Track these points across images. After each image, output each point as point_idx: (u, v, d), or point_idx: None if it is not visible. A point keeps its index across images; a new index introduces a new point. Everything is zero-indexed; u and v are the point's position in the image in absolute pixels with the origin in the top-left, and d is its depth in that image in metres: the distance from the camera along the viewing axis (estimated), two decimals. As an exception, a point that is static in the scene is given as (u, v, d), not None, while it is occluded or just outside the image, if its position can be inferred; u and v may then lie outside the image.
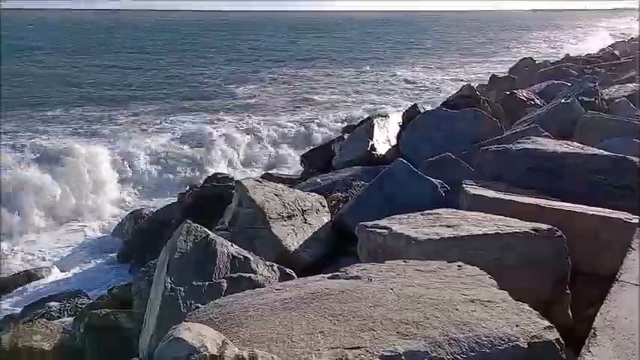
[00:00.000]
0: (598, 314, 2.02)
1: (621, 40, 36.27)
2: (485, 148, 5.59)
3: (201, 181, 10.06)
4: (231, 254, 3.69)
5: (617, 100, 8.49)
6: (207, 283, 3.51)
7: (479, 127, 7.20)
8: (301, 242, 4.70)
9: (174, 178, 12.78)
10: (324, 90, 25.74)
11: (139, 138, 15.40)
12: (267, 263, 3.83)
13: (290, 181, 8.27)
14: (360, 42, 58.14)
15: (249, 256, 3.77)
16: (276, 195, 5.01)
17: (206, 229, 3.89)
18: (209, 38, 61.61)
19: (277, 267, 3.80)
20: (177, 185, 12.07)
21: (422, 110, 9.34)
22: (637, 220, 3.12)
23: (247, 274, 3.62)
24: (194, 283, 3.52)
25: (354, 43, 56.50)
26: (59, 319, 5.97)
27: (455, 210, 3.84)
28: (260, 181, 5.31)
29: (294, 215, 4.88)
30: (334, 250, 4.88)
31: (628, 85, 10.57)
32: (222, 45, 52.13)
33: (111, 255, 8.78)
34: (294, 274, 3.70)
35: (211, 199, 7.73)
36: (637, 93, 9.41)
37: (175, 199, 9.43)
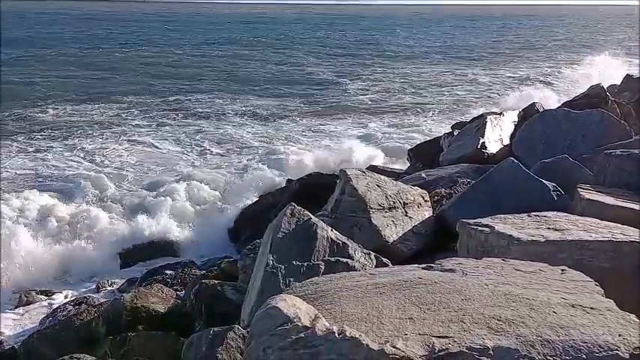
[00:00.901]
0: None
1: None
2: (609, 152, 5.19)
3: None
4: (331, 238, 3.83)
5: None
6: (306, 263, 3.68)
7: (604, 129, 6.65)
8: (400, 234, 4.72)
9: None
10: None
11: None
12: (365, 251, 3.92)
13: (395, 175, 8.27)
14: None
15: (347, 242, 3.88)
16: (378, 186, 5.06)
17: (309, 213, 4.07)
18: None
19: (374, 255, 3.87)
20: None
21: (540, 109, 8.80)
22: None
23: (344, 259, 3.73)
24: (294, 262, 3.70)
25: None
26: (173, 287, 6.56)
27: (566, 214, 3.64)
28: (364, 172, 5.39)
29: (395, 207, 4.90)
30: (434, 244, 4.83)
31: None
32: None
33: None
34: (389, 264, 3.74)
35: (317, 187, 7.97)
36: None
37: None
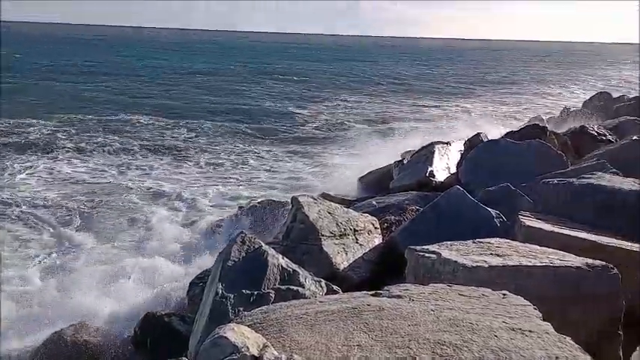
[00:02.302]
0: (634, 353, 1.96)
1: None
2: (547, 180, 5.45)
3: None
4: (282, 266, 3.81)
5: (697, 140, 8.00)
6: (256, 292, 3.65)
7: (542, 159, 7.00)
8: (351, 261, 4.76)
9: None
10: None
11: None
12: (316, 278, 3.92)
13: (346, 202, 8.36)
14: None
15: (298, 269, 3.88)
16: (330, 213, 5.11)
17: (260, 241, 4.05)
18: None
19: (325, 283, 3.88)
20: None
21: (484, 139, 9.18)
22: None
23: (295, 287, 3.72)
24: (244, 291, 3.66)
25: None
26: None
27: (508, 240, 3.78)
28: (316, 199, 5.44)
29: (346, 234, 4.96)
30: (384, 271, 4.89)
31: None
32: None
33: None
34: (340, 291, 3.76)
35: (268, 213, 7.94)
36: None
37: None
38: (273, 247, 4.25)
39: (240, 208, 9.79)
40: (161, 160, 16.10)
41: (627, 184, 5.01)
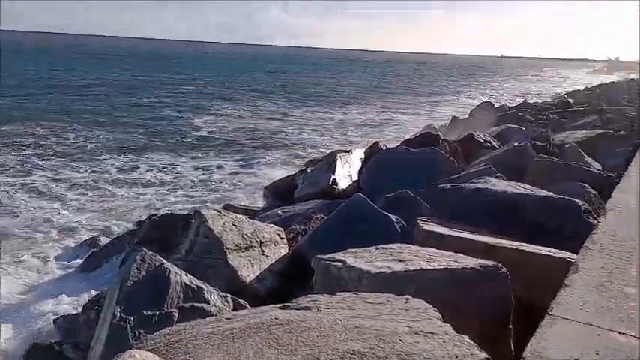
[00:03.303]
0: (528, 345, 2.12)
1: (576, 89, 38.26)
2: (441, 186, 5.79)
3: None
4: (185, 283, 3.67)
5: (567, 146, 8.94)
6: (158, 312, 3.47)
7: (436, 165, 7.42)
8: (257, 273, 4.70)
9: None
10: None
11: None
12: (221, 294, 3.82)
13: (251, 213, 8.27)
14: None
15: (202, 285, 3.75)
16: (234, 225, 5.01)
17: (161, 258, 3.86)
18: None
19: (231, 297, 3.79)
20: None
21: (383, 147, 9.56)
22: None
23: (200, 304, 3.59)
24: (145, 312, 3.46)
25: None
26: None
27: (409, 245, 3.93)
28: (219, 212, 5.31)
29: (251, 246, 4.88)
30: (291, 282, 4.88)
31: (578, 132, 11.14)
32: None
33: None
34: (247, 305, 3.69)
35: (169, 227, 7.62)
36: (588, 140, 9.93)
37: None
38: (175, 264, 4.07)
39: (139, 223, 9.32)
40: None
41: (510, 187, 5.46)
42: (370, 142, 11.01)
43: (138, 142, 19.83)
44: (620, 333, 2.22)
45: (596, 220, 4.41)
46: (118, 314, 3.41)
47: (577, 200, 4.82)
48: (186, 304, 3.55)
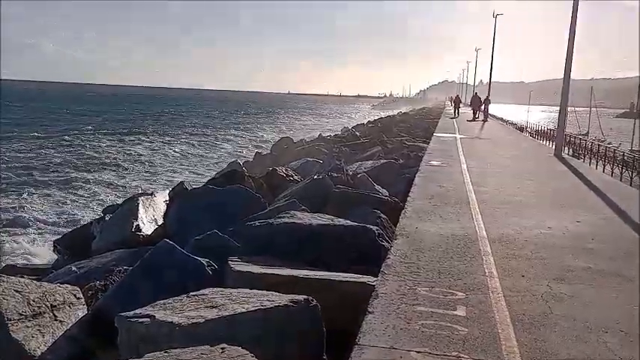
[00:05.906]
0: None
1: (360, 123, 42.79)
2: (250, 223, 5.84)
3: None
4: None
5: (359, 175, 9.84)
6: None
7: (244, 203, 7.48)
8: (50, 344, 4.08)
9: None
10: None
11: None
12: (3, 377, 3.21)
13: (39, 272, 7.25)
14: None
15: (-24, 372, 3.11)
16: (17, 291, 4.30)
17: None
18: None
19: (16, 379, 3.21)
20: None
21: (188, 187, 9.32)
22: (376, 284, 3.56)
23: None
24: None
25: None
26: None
27: (221, 289, 3.84)
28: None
29: (40, 313, 4.24)
30: (94, 346, 4.35)
31: (367, 162, 12.40)
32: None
33: None
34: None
35: None
36: (375, 169, 11.10)
37: None
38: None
39: None
40: None
41: (314, 218, 5.78)
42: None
43: None
44: (417, 352, 2.46)
45: (389, 243, 4.91)
46: None
47: (372, 227, 5.30)
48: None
